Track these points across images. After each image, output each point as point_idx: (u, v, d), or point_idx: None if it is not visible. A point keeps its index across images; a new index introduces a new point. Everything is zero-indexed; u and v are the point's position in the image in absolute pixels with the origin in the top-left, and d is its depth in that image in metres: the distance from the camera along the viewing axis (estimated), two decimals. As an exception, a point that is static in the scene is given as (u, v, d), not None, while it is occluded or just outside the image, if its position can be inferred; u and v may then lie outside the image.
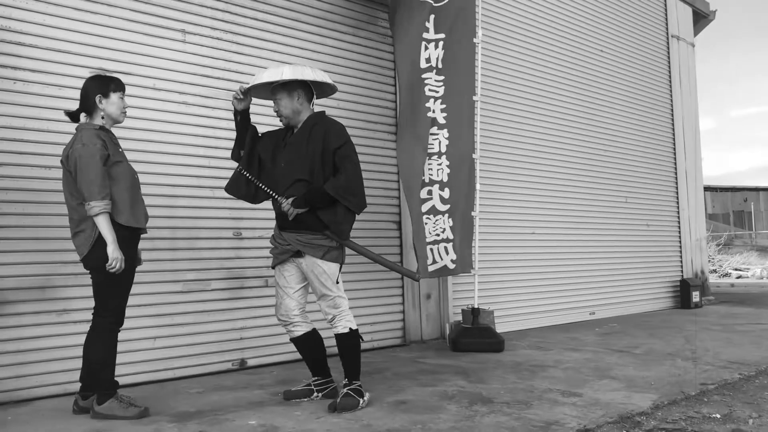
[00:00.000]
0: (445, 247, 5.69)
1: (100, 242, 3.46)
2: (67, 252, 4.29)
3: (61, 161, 3.59)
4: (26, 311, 4.15)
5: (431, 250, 5.63)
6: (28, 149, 4.24)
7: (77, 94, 4.38)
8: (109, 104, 3.62)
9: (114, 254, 3.44)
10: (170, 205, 4.81)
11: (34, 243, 4.22)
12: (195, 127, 5.00)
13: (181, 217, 4.87)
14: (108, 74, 3.81)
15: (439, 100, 5.83)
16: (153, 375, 4.60)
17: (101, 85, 3.62)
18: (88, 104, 3.61)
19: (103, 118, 3.61)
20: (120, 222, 3.50)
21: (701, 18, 11.10)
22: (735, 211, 41.30)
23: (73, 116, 3.66)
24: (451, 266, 5.71)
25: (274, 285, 4.01)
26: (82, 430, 3.37)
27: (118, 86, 3.67)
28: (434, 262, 5.63)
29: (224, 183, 5.05)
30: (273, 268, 3.94)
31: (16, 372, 4.08)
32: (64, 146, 3.61)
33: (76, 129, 3.59)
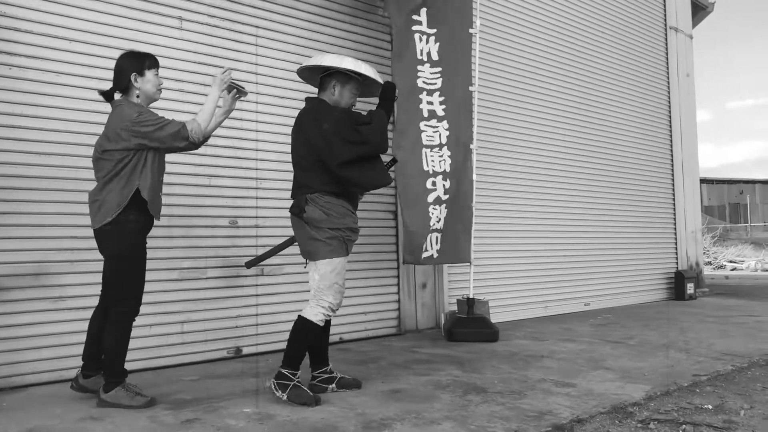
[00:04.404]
0: (437, 237, 5.79)
1: (116, 227, 3.45)
2: (63, 239, 4.29)
3: (96, 147, 3.54)
4: (21, 298, 4.14)
5: (430, 238, 5.71)
6: (24, 136, 4.22)
7: (73, 80, 4.39)
8: (145, 82, 3.57)
9: (219, 80, 3.64)
10: (167, 192, 4.76)
11: (29, 230, 4.21)
12: (192, 116, 4.97)
13: (178, 205, 4.86)
14: (141, 51, 3.73)
15: (437, 93, 5.83)
16: (148, 362, 4.61)
17: (136, 62, 3.56)
18: (123, 83, 3.54)
19: (138, 96, 3.56)
20: (150, 211, 3.51)
21: (700, 9, 11.08)
22: (731, 203, 41.42)
23: (108, 95, 3.60)
24: (436, 255, 5.81)
25: (339, 273, 3.74)
26: (77, 416, 3.38)
27: (153, 63, 3.61)
28: (426, 250, 5.72)
29: (222, 171, 5.10)
30: (339, 257, 3.71)
31: (10, 359, 4.08)
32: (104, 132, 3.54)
33: (113, 105, 3.54)
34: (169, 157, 4.80)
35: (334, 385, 3.88)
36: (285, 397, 3.58)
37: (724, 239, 25.76)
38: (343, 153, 3.66)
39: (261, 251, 5.26)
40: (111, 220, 3.42)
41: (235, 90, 3.76)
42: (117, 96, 3.60)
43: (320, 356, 3.92)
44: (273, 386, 3.64)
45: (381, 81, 3.98)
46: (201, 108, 3.62)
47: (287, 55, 5.59)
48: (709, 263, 19.38)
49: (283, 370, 3.64)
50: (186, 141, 3.51)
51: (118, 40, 4.63)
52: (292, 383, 3.61)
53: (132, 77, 3.53)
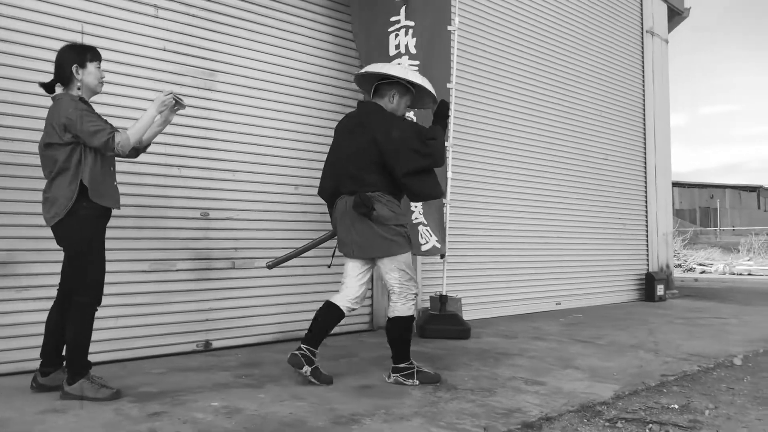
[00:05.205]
0: (427, 230, 5.81)
1: (71, 218, 3.40)
2: (30, 227, 4.20)
3: (41, 145, 3.50)
4: (-15, 287, 4.05)
5: (421, 231, 5.83)
6: (-9, 121, 4.13)
7: (45, 66, 4.29)
8: (87, 74, 3.53)
9: (159, 98, 3.61)
10: (137, 183, 4.72)
11: (-6, 217, 4.12)
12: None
13: (148, 196, 4.79)
14: (83, 43, 3.71)
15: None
16: (115, 354, 4.53)
17: (77, 54, 3.52)
18: (64, 75, 3.51)
19: (79, 89, 3.52)
20: (92, 199, 3.44)
21: (675, 15, 11.21)
22: (702, 207, 42.08)
23: (48, 87, 3.56)
24: (438, 245, 5.85)
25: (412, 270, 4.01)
26: (38, 408, 3.31)
27: (95, 56, 3.58)
28: (426, 242, 5.81)
29: (191, 162, 5.03)
30: (409, 251, 3.98)
31: (-27, 348, 3.99)
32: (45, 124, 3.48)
33: (53, 99, 3.50)
34: (140, 146, 4.76)
35: (309, 368, 3.85)
36: (418, 382, 3.91)
37: (694, 242, 26.17)
38: (411, 163, 3.83)
39: (233, 244, 5.22)
40: (63, 216, 3.40)
41: (174, 102, 3.71)
42: (58, 89, 3.56)
43: (318, 338, 3.96)
44: (400, 380, 3.94)
45: (437, 97, 4.20)
46: (134, 123, 3.59)
47: (263, 46, 5.54)
48: (679, 266, 19.64)
49: (401, 365, 3.96)
50: (111, 152, 3.46)
51: (91, 27, 4.55)
52: (414, 369, 3.96)
53: (73, 69, 3.49)
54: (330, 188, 4.08)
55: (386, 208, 3.84)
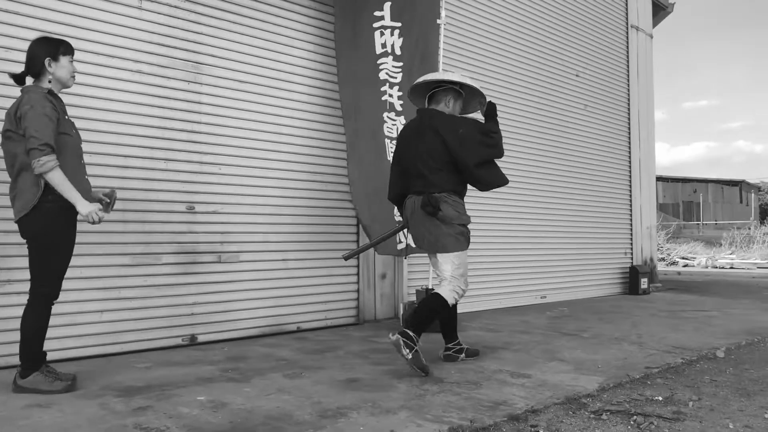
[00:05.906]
0: (404, 231, 5.75)
1: (37, 212, 3.37)
2: (10, 221, 4.14)
3: (2, 132, 3.45)
4: (-33, 281, 4.01)
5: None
6: (-28, 113, 4.07)
7: (24, 57, 4.23)
8: (59, 68, 3.50)
9: (85, 209, 3.38)
10: (121, 176, 4.69)
11: (-24, 210, 4.06)
12: (149, 97, 4.87)
13: (133, 189, 4.75)
14: (56, 36, 3.68)
15: (396, 87, 5.83)
16: (100, 349, 4.50)
17: (50, 48, 3.50)
18: (36, 67, 3.48)
19: (50, 82, 3.49)
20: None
21: (660, 10, 11.27)
22: (684, 201, 42.43)
23: (19, 79, 3.53)
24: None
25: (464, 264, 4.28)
26: (22, 403, 3.28)
27: (68, 49, 3.56)
28: (401, 242, 5.75)
29: (177, 155, 5.00)
30: (466, 249, 4.29)
31: (-45, 343, 3.94)
32: (6, 112, 3.46)
33: (22, 91, 3.46)
34: (123, 138, 4.73)
35: (463, 354, 4.47)
36: (410, 356, 3.91)
37: (677, 236, 26.41)
38: (479, 154, 4.19)
39: (219, 237, 5.19)
40: (29, 210, 3.37)
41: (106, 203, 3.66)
42: (29, 81, 3.52)
43: (454, 332, 4.50)
44: (401, 343, 3.92)
45: (485, 100, 4.54)
46: (66, 180, 3.37)
47: (250, 39, 5.50)
48: (663, 259, 19.82)
49: (412, 334, 3.97)
50: (29, 162, 3.34)
51: (73, 17, 4.50)
52: (416, 348, 3.96)
53: (46, 62, 3.47)
54: (398, 189, 4.41)
55: (451, 209, 4.15)
